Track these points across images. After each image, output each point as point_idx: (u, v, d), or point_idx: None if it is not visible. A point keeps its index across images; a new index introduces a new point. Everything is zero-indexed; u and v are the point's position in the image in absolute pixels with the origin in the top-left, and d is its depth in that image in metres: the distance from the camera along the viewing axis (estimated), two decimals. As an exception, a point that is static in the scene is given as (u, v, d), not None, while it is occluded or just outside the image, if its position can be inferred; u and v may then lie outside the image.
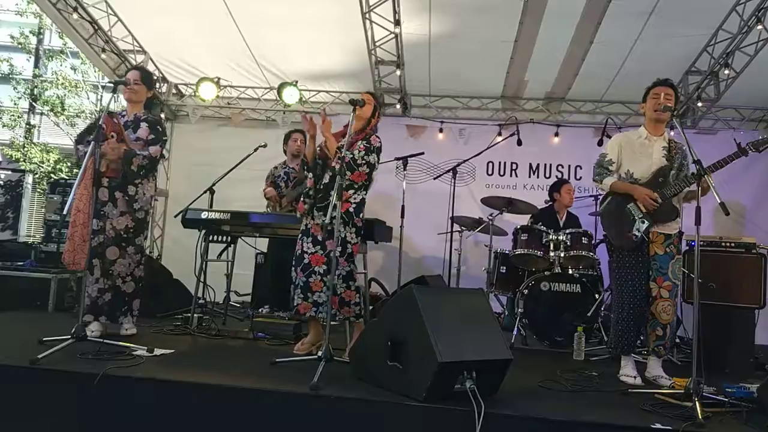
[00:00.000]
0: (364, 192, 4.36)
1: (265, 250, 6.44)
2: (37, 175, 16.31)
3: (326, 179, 4.31)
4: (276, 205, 6.11)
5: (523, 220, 6.39)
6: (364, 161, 4.25)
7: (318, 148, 4.43)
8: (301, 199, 4.44)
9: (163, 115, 7.74)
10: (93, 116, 16.24)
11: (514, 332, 5.37)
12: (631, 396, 3.61)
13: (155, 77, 4.95)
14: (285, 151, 6.43)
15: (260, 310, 5.99)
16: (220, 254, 5.75)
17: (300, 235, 4.38)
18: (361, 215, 4.32)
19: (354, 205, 4.26)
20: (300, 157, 6.33)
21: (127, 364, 3.53)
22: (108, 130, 4.35)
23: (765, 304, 4.90)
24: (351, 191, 4.25)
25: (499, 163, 7.80)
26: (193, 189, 5.90)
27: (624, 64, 6.82)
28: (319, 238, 4.25)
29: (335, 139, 4.40)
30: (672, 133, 4.48)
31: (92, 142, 3.96)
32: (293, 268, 4.34)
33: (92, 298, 4.41)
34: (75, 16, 6.70)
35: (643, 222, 4.06)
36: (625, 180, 4.20)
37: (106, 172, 4.41)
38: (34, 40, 18.42)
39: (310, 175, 4.40)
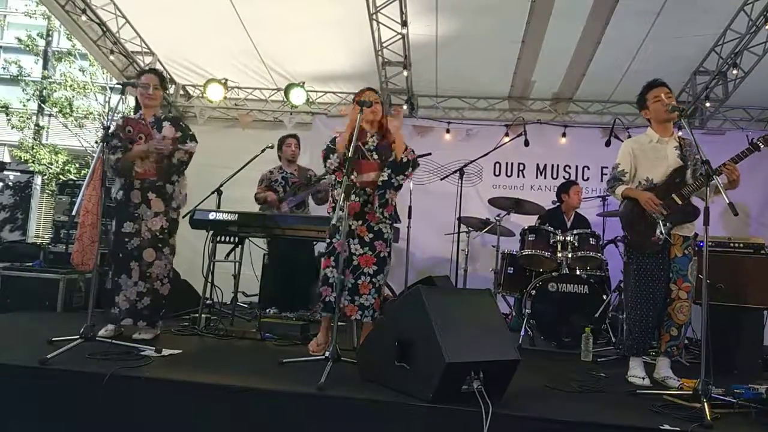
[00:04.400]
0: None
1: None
2: (45, 176, 16.40)
3: (384, 176, 4.29)
4: (275, 210, 6.12)
5: (531, 220, 6.38)
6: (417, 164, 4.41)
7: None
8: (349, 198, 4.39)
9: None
10: (102, 118, 16.34)
11: (522, 333, 5.37)
12: (639, 397, 3.60)
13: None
14: (280, 157, 6.46)
15: (267, 310, 6.01)
16: (228, 255, 5.76)
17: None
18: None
19: (394, 209, 4.39)
20: (294, 163, 6.38)
21: (136, 364, 3.54)
22: (136, 133, 4.39)
23: (774, 305, 4.87)
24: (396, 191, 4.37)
25: (506, 163, 7.80)
26: (200, 190, 5.92)
27: (632, 64, 6.79)
28: (366, 239, 4.27)
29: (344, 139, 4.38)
30: (680, 132, 4.46)
31: (101, 144, 3.99)
32: (333, 268, 4.21)
33: (131, 302, 4.36)
34: (83, 18, 6.73)
35: (665, 224, 4.05)
36: (646, 186, 4.18)
37: (140, 174, 4.42)
38: (41, 42, 18.53)
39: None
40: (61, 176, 15.93)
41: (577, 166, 7.70)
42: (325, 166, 4.43)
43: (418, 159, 5.78)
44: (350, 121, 4.28)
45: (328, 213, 4.55)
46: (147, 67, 7.53)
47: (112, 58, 7.31)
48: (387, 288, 6.45)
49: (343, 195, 3.74)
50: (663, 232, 4.03)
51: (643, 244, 4.13)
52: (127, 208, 4.45)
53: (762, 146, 3.84)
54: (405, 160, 4.31)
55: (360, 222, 4.28)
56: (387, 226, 4.35)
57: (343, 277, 4.18)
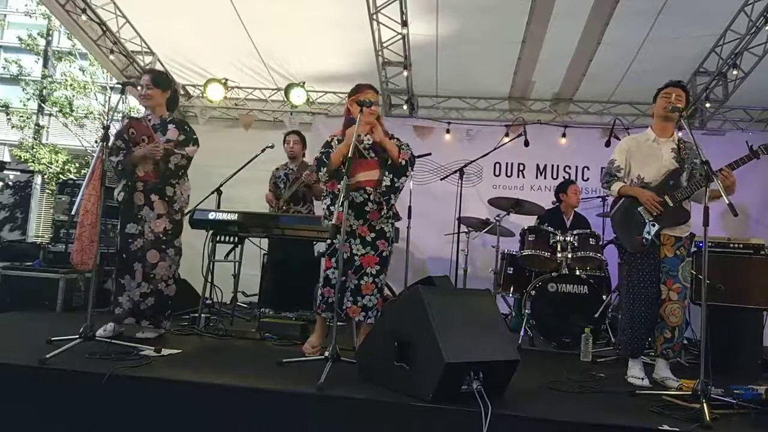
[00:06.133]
0: None
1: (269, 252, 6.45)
2: (45, 176, 16.41)
3: (387, 181, 4.21)
4: (275, 208, 6.12)
5: (530, 221, 6.38)
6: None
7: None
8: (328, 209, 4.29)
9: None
10: (102, 117, 16.35)
11: (521, 333, 5.37)
12: (638, 397, 3.60)
13: (170, 76, 4.80)
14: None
15: (266, 310, 6.01)
16: (228, 254, 5.76)
17: (345, 237, 4.18)
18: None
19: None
20: (295, 159, 6.33)
21: (135, 364, 3.54)
22: (139, 135, 4.36)
23: (774, 306, 4.87)
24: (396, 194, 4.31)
25: (506, 164, 7.79)
26: (200, 190, 5.92)
27: (632, 64, 6.80)
28: (368, 238, 4.21)
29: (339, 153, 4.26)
30: (680, 134, 4.45)
31: (101, 144, 3.99)
32: (333, 269, 4.15)
33: (134, 302, 4.36)
34: (83, 17, 6.73)
35: (653, 225, 4.05)
36: (637, 184, 4.18)
37: (142, 176, 4.41)
38: (42, 41, 18.54)
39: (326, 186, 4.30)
40: (60, 176, 15.93)
41: (577, 167, 7.70)
42: (318, 176, 4.35)
43: (417, 158, 5.75)
44: (346, 137, 4.18)
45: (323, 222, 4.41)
46: (147, 67, 7.55)
47: (112, 57, 7.31)
48: (387, 288, 6.48)
49: (342, 194, 3.70)
50: (650, 233, 4.04)
51: (630, 244, 4.14)
52: (131, 210, 4.45)
53: (762, 154, 3.85)
54: (403, 162, 4.24)
55: (361, 222, 4.22)
56: (389, 225, 4.31)
57: (344, 278, 4.16)
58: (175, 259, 4.53)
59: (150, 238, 4.40)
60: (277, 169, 6.42)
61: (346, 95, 7.66)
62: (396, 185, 4.24)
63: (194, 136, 4.60)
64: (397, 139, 4.38)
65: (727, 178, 3.78)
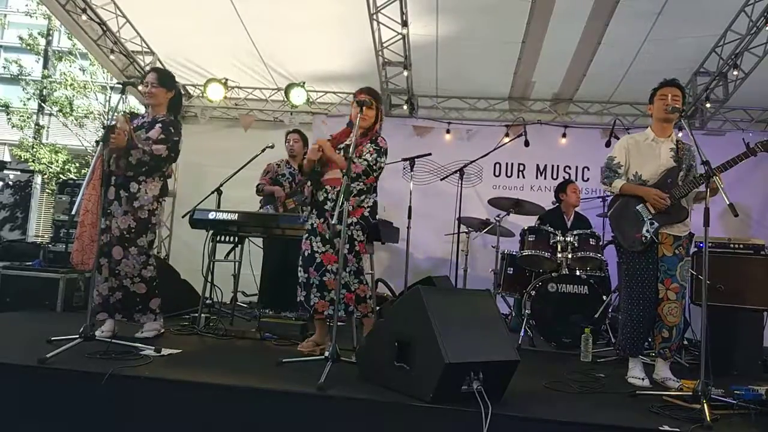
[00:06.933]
0: (375, 194, 4.40)
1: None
2: (45, 176, 16.41)
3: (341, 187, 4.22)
4: (281, 205, 6.12)
5: (531, 221, 6.37)
6: (378, 165, 4.28)
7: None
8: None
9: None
10: (102, 117, 16.36)
11: (522, 333, 5.37)
12: (639, 398, 3.60)
13: (175, 79, 4.78)
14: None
15: (266, 310, 6.01)
16: (228, 254, 5.76)
17: (306, 235, 4.37)
18: (377, 217, 4.44)
19: (368, 209, 4.32)
20: (295, 158, 6.33)
21: (135, 363, 3.54)
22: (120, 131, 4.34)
23: (774, 306, 4.87)
24: (363, 196, 4.27)
25: (506, 164, 7.79)
26: (200, 189, 5.92)
27: (632, 64, 6.80)
28: (327, 236, 4.25)
29: (339, 139, 4.44)
30: (680, 134, 4.46)
31: (100, 143, 3.98)
32: (301, 268, 4.35)
33: (103, 297, 4.37)
34: (83, 17, 6.74)
35: (652, 223, 4.05)
36: (634, 182, 4.18)
37: (116, 171, 4.38)
38: (42, 41, 18.55)
39: (309, 183, 4.46)
40: (61, 175, 15.93)
41: (577, 167, 7.70)
42: None
43: (417, 158, 5.81)
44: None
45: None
46: (148, 67, 7.55)
47: (112, 57, 7.32)
48: (386, 288, 6.48)
49: (342, 195, 3.72)
50: (649, 230, 4.04)
51: (629, 242, 4.13)
52: (104, 204, 4.38)
53: (759, 151, 3.85)
54: (354, 175, 4.12)
55: (321, 220, 4.28)
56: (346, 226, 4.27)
57: (307, 275, 4.29)
58: (139, 258, 4.40)
59: (116, 234, 4.36)
60: (278, 165, 6.40)
61: (346, 95, 7.80)
62: (350, 188, 4.12)
63: (174, 138, 4.47)
64: (376, 144, 4.33)
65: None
